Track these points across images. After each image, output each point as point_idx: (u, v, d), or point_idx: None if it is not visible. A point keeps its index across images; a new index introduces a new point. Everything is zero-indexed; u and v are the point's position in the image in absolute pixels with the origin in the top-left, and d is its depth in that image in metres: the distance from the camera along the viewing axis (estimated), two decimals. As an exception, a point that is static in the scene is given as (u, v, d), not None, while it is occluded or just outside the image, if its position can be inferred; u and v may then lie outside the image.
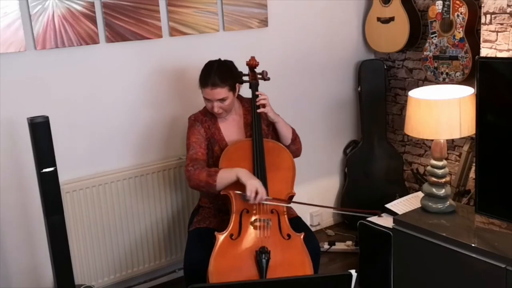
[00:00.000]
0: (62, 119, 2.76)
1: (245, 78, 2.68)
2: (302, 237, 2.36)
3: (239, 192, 2.36)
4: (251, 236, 2.32)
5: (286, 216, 2.42)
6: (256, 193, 2.30)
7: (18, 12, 2.56)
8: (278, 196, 2.42)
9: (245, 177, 2.33)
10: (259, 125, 2.52)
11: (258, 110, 2.54)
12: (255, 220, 2.36)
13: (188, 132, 2.58)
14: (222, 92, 2.46)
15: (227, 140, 2.59)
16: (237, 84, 2.55)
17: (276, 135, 2.66)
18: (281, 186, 2.45)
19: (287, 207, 2.48)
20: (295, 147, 2.67)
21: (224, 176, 2.37)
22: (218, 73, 2.46)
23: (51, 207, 2.27)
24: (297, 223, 2.52)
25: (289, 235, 2.36)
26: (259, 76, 2.67)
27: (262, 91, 2.63)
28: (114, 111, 2.94)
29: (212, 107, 2.50)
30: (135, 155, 3.04)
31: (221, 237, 2.30)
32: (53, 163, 2.24)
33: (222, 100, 2.48)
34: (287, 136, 2.64)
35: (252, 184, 2.30)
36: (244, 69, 2.68)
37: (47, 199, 2.26)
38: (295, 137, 2.68)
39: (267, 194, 2.37)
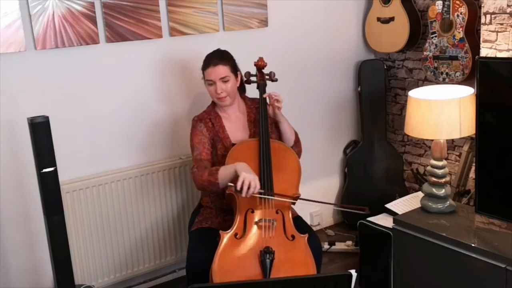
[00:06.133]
0: (62, 119, 2.76)
1: (253, 78, 2.68)
2: (306, 238, 2.36)
3: (231, 184, 2.32)
4: (255, 236, 2.32)
5: (290, 216, 2.42)
6: (249, 186, 2.27)
7: (18, 12, 2.56)
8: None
9: (240, 170, 2.31)
10: (266, 125, 2.52)
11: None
12: (260, 220, 2.35)
13: (191, 134, 2.59)
14: (223, 70, 2.51)
15: (231, 138, 2.59)
16: (238, 72, 2.60)
17: (279, 135, 2.67)
18: (286, 187, 2.45)
19: (291, 207, 2.47)
20: (296, 150, 2.68)
21: (225, 173, 2.37)
22: (219, 53, 2.59)
23: (51, 207, 2.27)
24: (298, 223, 2.52)
25: (293, 236, 2.36)
26: (266, 77, 2.68)
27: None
28: (114, 111, 2.94)
29: (216, 90, 2.52)
30: (135, 155, 3.04)
31: (225, 236, 2.29)
32: (53, 163, 2.24)
33: (225, 81, 2.51)
34: (290, 138, 2.65)
35: (245, 176, 2.27)
36: (251, 69, 2.68)
37: (47, 199, 2.26)
38: (297, 140, 2.70)
39: (271, 193, 2.36)
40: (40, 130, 2.20)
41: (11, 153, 2.67)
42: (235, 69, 2.58)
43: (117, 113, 2.95)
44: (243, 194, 2.27)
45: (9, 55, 2.58)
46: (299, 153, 2.71)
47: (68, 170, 2.79)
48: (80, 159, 2.88)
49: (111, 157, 2.97)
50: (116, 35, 2.84)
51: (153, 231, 3.09)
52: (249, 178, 2.27)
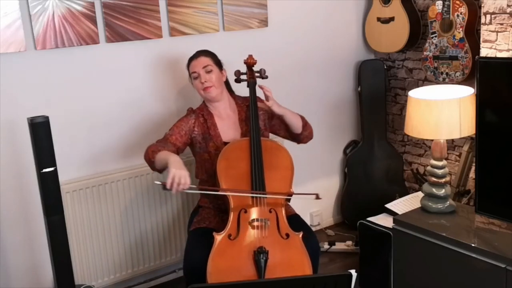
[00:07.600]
0: (62, 119, 2.76)
1: (243, 77, 2.67)
2: (300, 236, 2.36)
3: (158, 182, 2.30)
4: (249, 236, 2.32)
5: (284, 215, 2.42)
6: (178, 183, 2.24)
7: (18, 12, 2.56)
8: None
9: (171, 166, 2.28)
10: (256, 124, 2.52)
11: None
12: (253, 220, 2.35)
13: (179, 119, 2.64)
14: (205, 59, 2.59)
15: (222, 137, 2.60)
16: (223, 69, 2.65)
17: (286, 127, 2.68)
18: (279, 185, 2.45)
19: (286, 205, 2.47)
20: (307, 132, 2.71)
21: (161, 158, 2.39)
22: (201, 50, 2.66)
23: (51, 207, 2.27)
24: (295, 221, 2.52)
25: (287, 235, 2.35)
26: (257, 74, 2.67)
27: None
28: (114, 111, 2.94)
29: (200, 81, 2.56)
30: (135, 155, 3.03)
31: (219, 237, 2.30)
32: (53, 163, 2.24)
33: (208, 71, 2.56)
34: (297, 125, 2.65)
35: (174, 173, 2.24)
36: (242, 68, 2.68)
37: (47, 199, 2.26)
38: (305, 123, 2.70)
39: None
40: (40, 130, 2.20)
41: (11, 153, 2.67)
42: (218, 63, 2.63)
43: (117, 113, 2.95)
44: (173, 191, 2.25)
45: (9, 55, 2.58)
46: (310, 134, 2.73)
47: (68, 170, 2.79)
48: (80, 159, 2.88)
49: (111, 157, 2.97)
50: (116, 35, 2.84)
51: (153, 231, 3.09)
52: (178, 175, 2.24)
